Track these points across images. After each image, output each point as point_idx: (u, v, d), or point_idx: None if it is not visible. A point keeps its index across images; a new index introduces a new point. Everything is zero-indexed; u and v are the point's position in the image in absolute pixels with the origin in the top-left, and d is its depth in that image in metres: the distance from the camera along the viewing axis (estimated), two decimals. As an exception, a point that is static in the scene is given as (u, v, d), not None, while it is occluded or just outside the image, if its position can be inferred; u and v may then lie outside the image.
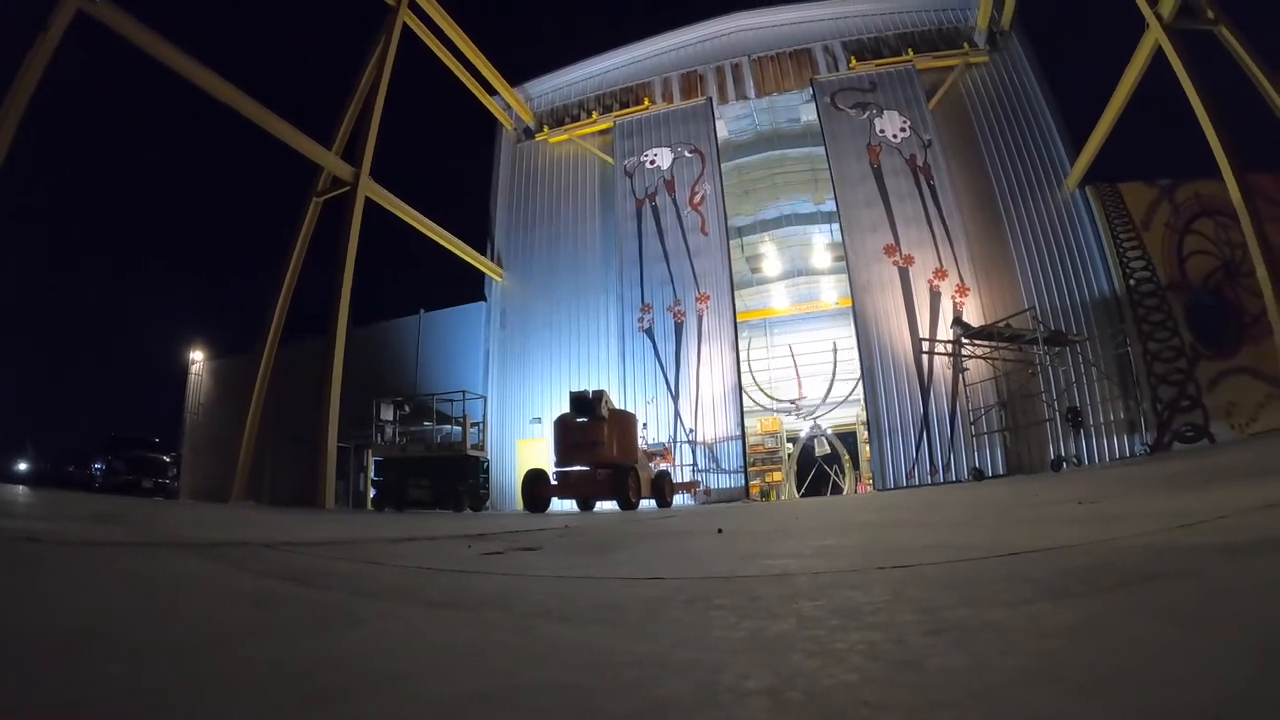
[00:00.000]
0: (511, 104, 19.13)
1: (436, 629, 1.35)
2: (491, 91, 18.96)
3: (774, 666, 0.94)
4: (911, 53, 17.25)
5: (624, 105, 18.34)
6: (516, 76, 19.25)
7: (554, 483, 10.71)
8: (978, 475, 13.58)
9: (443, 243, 17.22)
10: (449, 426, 16.23)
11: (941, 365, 14.73)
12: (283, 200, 21.11)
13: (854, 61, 17.37)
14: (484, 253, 18.42)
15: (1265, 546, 1.71)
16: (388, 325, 20.05)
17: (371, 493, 15.10)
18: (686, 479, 14.80)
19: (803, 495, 17.70)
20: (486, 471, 15.96)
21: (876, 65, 17.17)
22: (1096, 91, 15.07)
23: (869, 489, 15.52)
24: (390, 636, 1.27)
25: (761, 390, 18.15)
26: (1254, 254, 11.24)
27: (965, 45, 17.36)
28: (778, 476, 17.55)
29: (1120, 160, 16.60)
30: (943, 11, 17.96)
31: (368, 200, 14.40)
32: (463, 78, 18.17)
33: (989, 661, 0.91)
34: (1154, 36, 12.21)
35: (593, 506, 11.40)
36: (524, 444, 17.31)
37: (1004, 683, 0.83)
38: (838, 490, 18.02)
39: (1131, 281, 15.50)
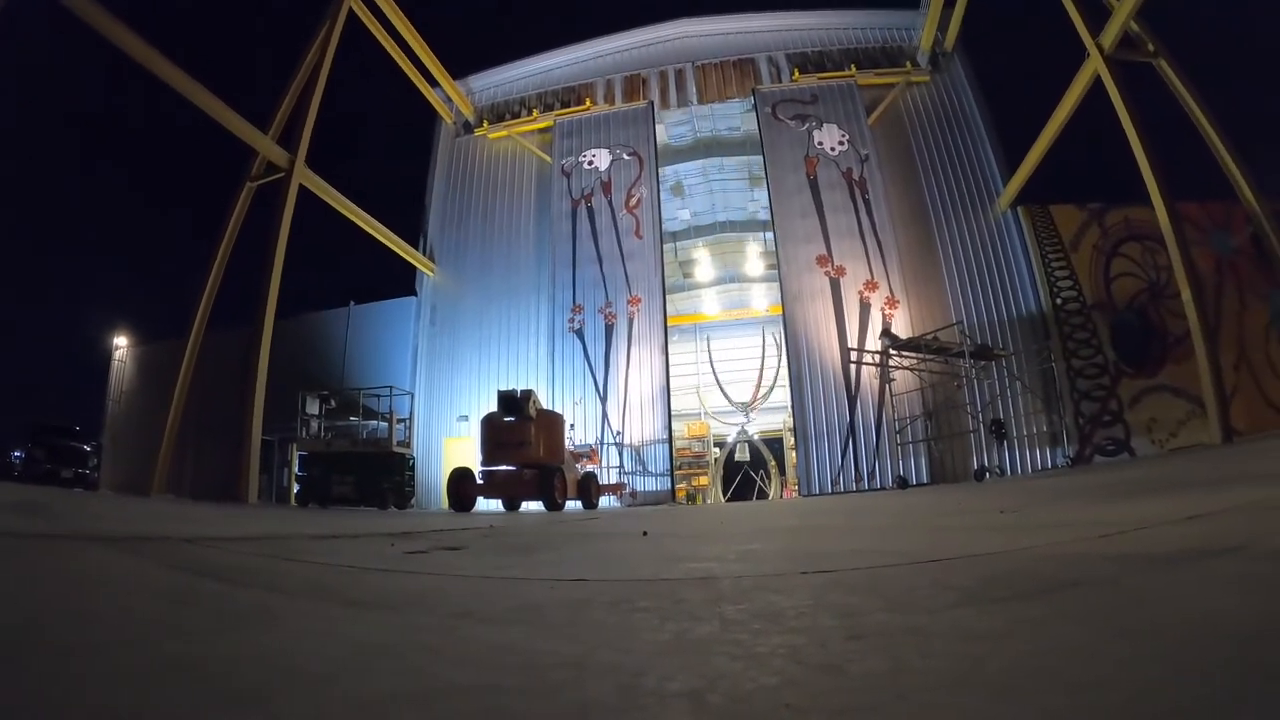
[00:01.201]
0: (453, 97, 18.80)
1: (357, 629, 1.33)
2: (433, 83, 18.62)
3: (697, 669, 0.94)
4: (854, 68, 17.46)
5: (565, 104, 18.16)
6: (459, 69, 18.96)
7: (480, 482, 10.58)
8: (902, 483, 13.65)
9: (375, 235, 16.77)
10: (375, 422, 15.86)
11: (869, 375, 14.82)
12: (215, 183, 20.38)
13: (797, 74, 17.51)
14: (417, 247, 17.96)
15: (1183, 557, 1.75)
16: (316, 317, 19.37)
17: (295, 488, 14.61)
18: (613, 481, 14.66)
19: (728, 500, 17.55)
20: (412, 469, 15.58)
21: (819, 78, 17.33)
22: (1033, 115, 15.44)
23: (794, 495, 15.43)
24: (310, 636, 1.25)
25: (723, 391, 17.95)
26: (1179, 278, 11.50)
27: (908, 64, 17.66)
28: (704, 481, 17.39)
29: (1053, 183, 17.01)
30: (887, 30, 18.27)
31: (301, 188, 14.01)
32: (405, 67, 17.82)
33: (910, 665, 0.92)
34: (1094, 66, 12.48)
35: (518, 507, 11.24)
36: (451, 442, 16.85)
37: (924, 686, 0.83)
38: (763, 495, 17.92)
39: (1058, 300, 15.82)
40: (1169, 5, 14.39)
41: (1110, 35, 12.13)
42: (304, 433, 14.79)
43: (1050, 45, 16.21)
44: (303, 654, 1.08)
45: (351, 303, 18.93)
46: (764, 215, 17.06)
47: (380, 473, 13.80)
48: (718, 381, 17.79)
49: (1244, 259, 16.97)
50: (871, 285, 15.38)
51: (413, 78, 18.13)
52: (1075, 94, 13.54)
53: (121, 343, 22.59)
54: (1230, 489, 3.62)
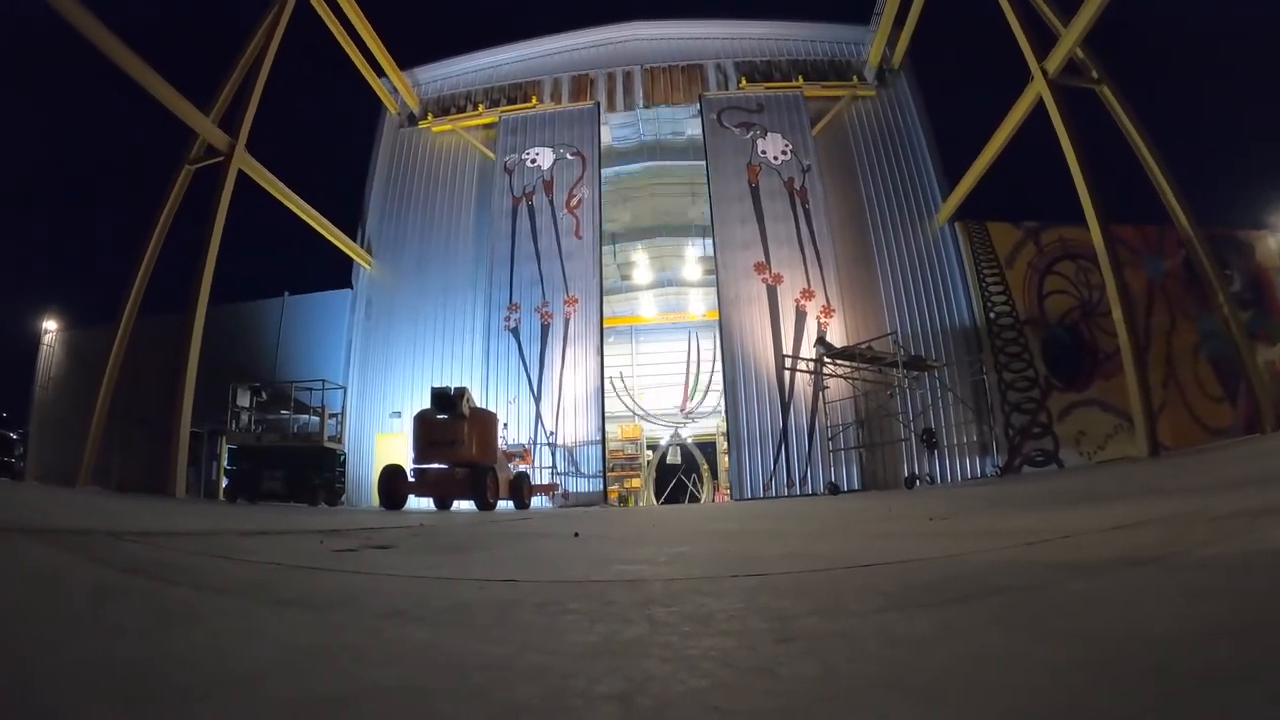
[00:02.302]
0: (399, 88, 18.45)
1: (284, 628, 1.31)
2: (380, 73, 18.26)
3: (625, 672, 0.94)
4: (801, 80, 17.61)
5: (512, 101, 17.96)
6: (407, 60, 18.65)
7: (411, 480, 10.38)
8: (833, 489, 13.69)
9: (314, 225, 16.34)
10: (307, 417, 15.46)
11: (803, 382, 14.89)
12: (154, 164, 19.73)
13: (744, 82, 17.60)
14: (355, 238, 17.56)
15: (1108, 565, 1.77)
16: (250, 306, 18.80)
17: (224, 482, 14.34)
18: (545, 481, 14.49)
19: (661, 502, 17.50)
20: (343, 465, 15.33)
21: (766, 88, 17.43)
22: (975, 134, 15.70)
23: (726, 499, 15.42)
24: (236, 635, 1.23)
25: (632, 405, 17.86)
26: (1112, 297, 11.69)
27: (855, 78, 17.88)
28: (636, 483, 17.31)
29: (991, 200, 17.32)
30: (836, 44, 18.49)
31: (240, 173, 13.64)
32: (353, 54, 17.43)
33: (838, 669, 0.93)
34: (1038, 89, 12.67)
35: (450, 506, 11.00)
36: (383, 438, 16.47)
37: (852, 689, 0.84)
38: (695, 499, 17.89)
39: (992, 314, 16.11)
40: (1116, 36, 14.75)
41: (1055, 60, 12.35)
42: (234, 425, 14.42)
43: (996, 67, 16.56)
44: (230, 655, 1.07)
45: (286, 293, 18.42)
46: (704, 220, 17.08)
47: (311, 468, 13.55)
48: (622, 388, 17.68)
49: (1175, 282, 17.50)
50: (808, 294, 15.47)
51: (360, 66, 17.77)
52: (1018, 115, 13.77)
53: (51, 327, 21.74)
54: (1155, 501, 3.68)
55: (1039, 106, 12.82)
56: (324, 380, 15.41)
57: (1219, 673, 0.86)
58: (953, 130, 18.28)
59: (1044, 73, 12.39)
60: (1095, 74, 12.90)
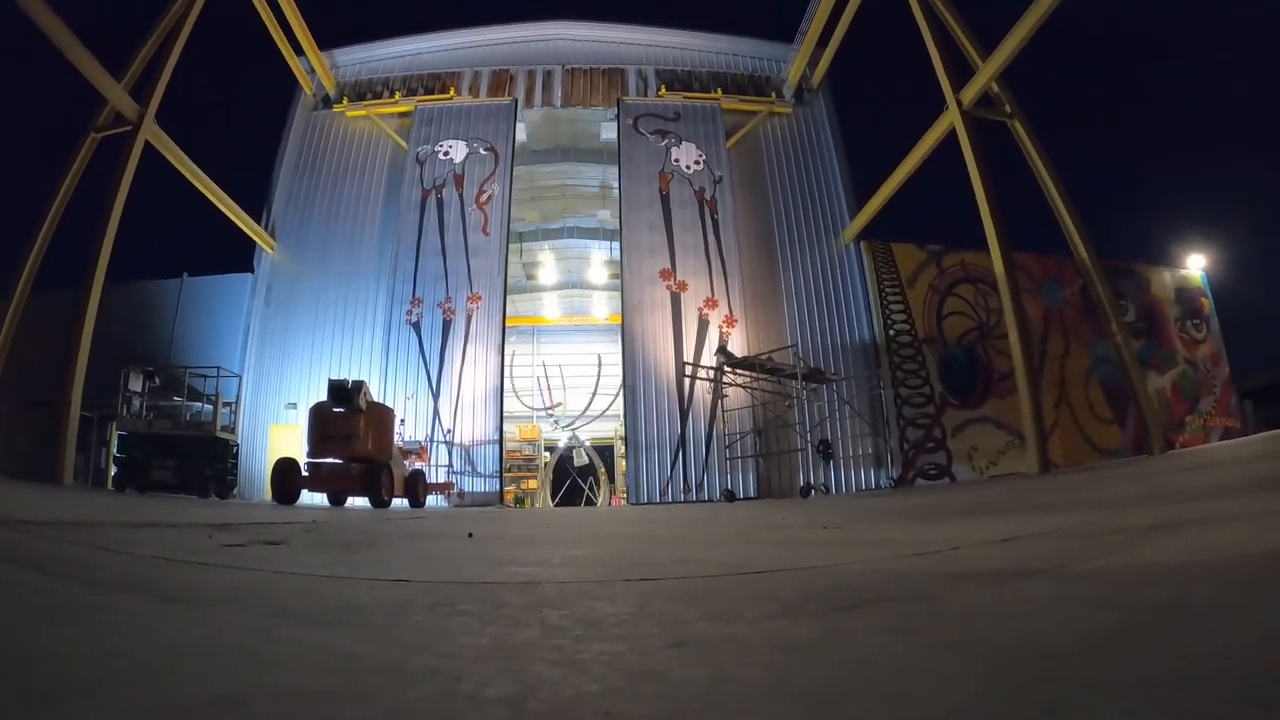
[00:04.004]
0: (316, 68, 17.87)
1: (169, 626, 1.28)
2: (299, 51, 17.64)
3: (516, 675, 0.93)
4: (720, 92, 17.85)
5: (429, 91, 17.62)
6: (326, 40, 18.09)
7: (305, 474, 10.11)
8: (729, 496, 13.89)
9: (218, 204, 15.73)
10: (200, 404, 14.94)
11: (702, 389, 15.07)
12: (57, 130, 18.72)
13: (664, 90, 17.73)
14: (259, 221, 16.96)
15: (997, 576, 1.79)
16: (147, 286, 17.99)
17: (113, 470, 13.56)
18: (441, 480, 14.28)
19: (557, 504, 17.47)
20: (236, 456, 14.81)
21: (684, 97, 17.61)
22: (887, 157, 16.13)
23: (623, 503, 15.48)
24: (119, 633, 1.19)
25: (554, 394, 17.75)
26: (1008, 320, 12.07)
27: (773, 95, 18.24)
28: (533, 484, 17.24)
29: (897, 222, 17.86)
30: (758, 60, 18.80)
31: (146, 145, 13.10)
32: (273, 29, 16.80)
33: (728, 674, 0.93)
34: (951, 118, 13.03)
35: (344, 502, 10.85)
36: (277, 430, 15.94)
37: (742, 694, 0.85)
38: (592, 502, 17.93)
39: (891, 331, 16.61)
40: (1032, 75, 15.27)
41: (971, 92, 12.73)
42: (125, 411, 13.81)
43: (913, 94, 17.07)
44: (113, 653, 1.04)
45: (185, 274, 17.68)
46: (613, 224, 17.16)
47: (202, 459, 13.08)
48: (536, 387, 17.61)
49: (1072, 309, 18.37)
50: (712, 303, 15.67)
51: (279, 41, 17.13)
52: (930, 142, 14.20)
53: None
54: (1045, 516, 3.75)
55: (951, 135, 13.22)
56: (219, 367, 14.90)
57: (1106, 681, 0.87)
58: (865, 152, 18.83)
59: (959, 103, 12.78)
60: (1008, 108, 13.32)
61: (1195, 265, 21.19)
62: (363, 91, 17.97)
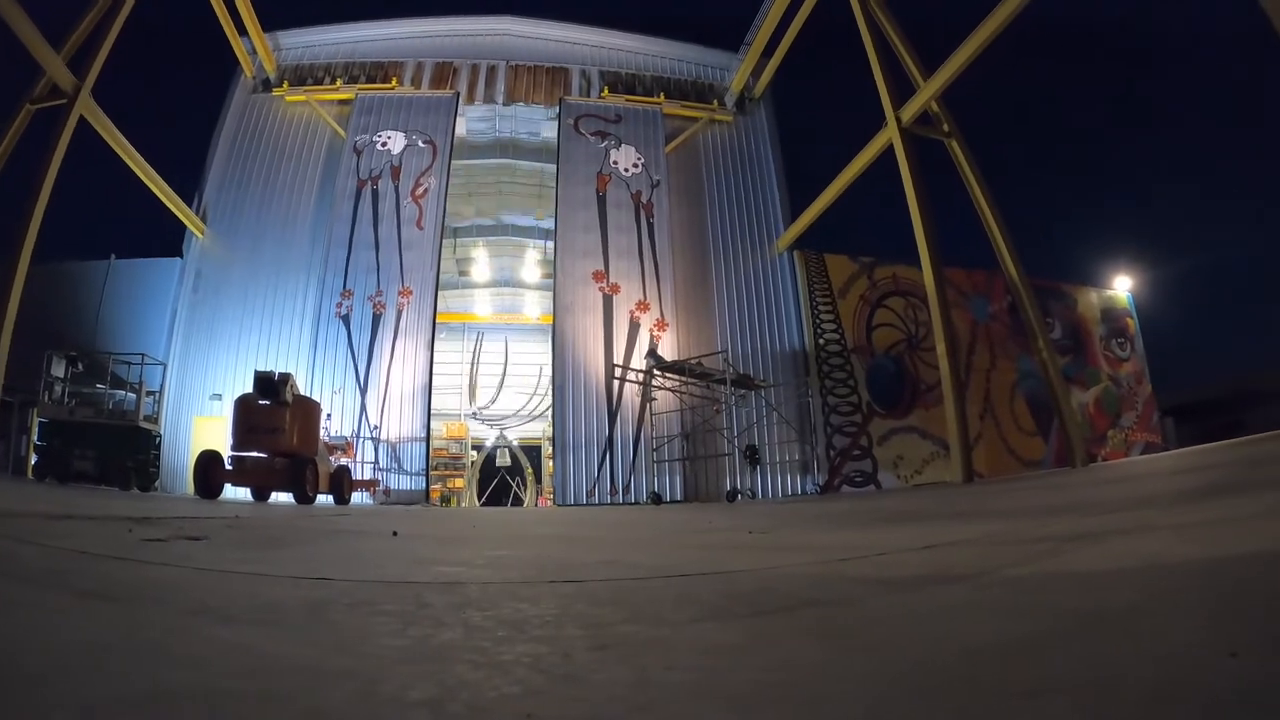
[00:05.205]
0: (259, 49, 17.44)
1: (83, 622, 1.25)
2: (242, 31, 17.29)
3: (437, 677, 0.92)
4: (663, 96, 18.02)
5: (371, 79, 17.42)
6: (270, 22, 17.71)
7: (228, 468, 9.93)
8: (656, 499, 13.98)
9: (150, 185, 15.34)
10: (123, 393, 14.45)
11: (631, 392, 15.18)
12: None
13: (606, 91, 17.83)
14: (191, 205, 16.61)
15: (920, 582, 1.80)
16: (73, 267, 17.48)
17: (33, 459, 13.20)
18: (367, 477, 14.17)
19: (483, 504, 17.49)
20: (159, 448, 14.48)
21: (626, 100, 17.74)
22: (824, 168, 16.41)
23: (549, 503, 15.56)
24: (31, 629, 1.17)
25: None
26: (937, 333, 12.33)
27: (715, 102, 18.47)
28: (459, 483, 17.22)
29: (831, 233, 18.22)
30: (702, 67, 19.02)
31: (80, 120, 12.78)
32: (217, 6, 16.39)
33: (652, 677, 0.93)
34: (890, 134, 13.28)
35: (268, 497, 10.59)
36: (201, 421, 15.62)
37: (665, 698, 0.84)
38: (518, 502, 18.01)
39: (821, 340, 16.97)
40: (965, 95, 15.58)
41: (911, 110, 12.98)
42: (47, 397, 13.32)
43: (853, 108, 17.40)
44: (24, 650, 1.01)
45: (113, 256, 17.23)
46: (548, 224, 17.21)
47: (125, 449, 12.81)
48: (464, 385, 17.56)
49: (999, 324, 18.95)
50: (643, 306, 15.84)
51: (222, 19, 16.73)
52: (868, 156, 14.47)
53: None
54: (968, 523, 3.79)
55: (889, 150, 13.46)
56: (144, 354, 14.51)
57: (1026, 684, 0.88)
58: (803, 162, 19.17)
59: (898, 120, 13.04)
60: (946, 127, 13.63)
61: (1122, 287, 22.01)
62: (304, 76, 17.68)
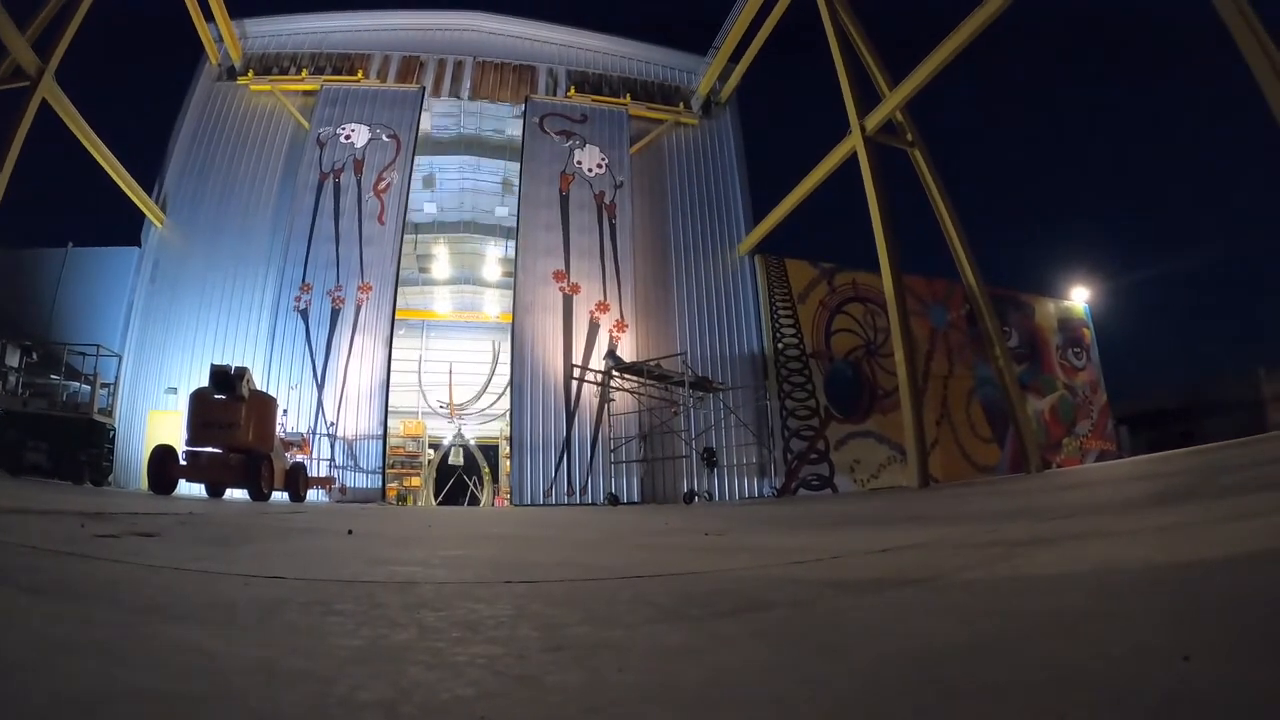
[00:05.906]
0: (225, 36, 17.18)
1: (34, 621, 1.23)
2: (209, 17, 17.06)
3: (391, 678, 0.92)
4: (629, 98, 18.08)
5: (337, 71, 17.29)
6: (236, 9, 17.50)
7: (183, 463, 9.82)
8: (613, 500, 14.11)
9: (110, 172, 15.13)
10: (77, 384, 14.30)
11: (590, 392, 15.29)
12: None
13: (573, 91, 17.86)
14: (150, 193, 16.41)
15: (875, 585, 1.82)
16: (29, 254, 17.22)
17: None
18: (323, 474, 14.14)
19: (440, 503, 17.51)
20: (113, 441, 14.36)
21: (593, 100, 17.77)
22: (788, 174, 16.61)
23: (507, 503, 15.65)
24: None
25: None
26: (895, 340, 12.53)
27: (681, 105, 18.58)
28: (416, 482, 17.21)
29: (793, 239, 18.43)
30: (670, 69, 19.12)
31: (43, 103, 12.65)
32: None
33: (605, 678, 0.94)
34: (854, 142, 13.40)
35: (223, 494, 10.57)
36: (156, 415, 15.46)
37: (618, 699, 0.85)
38: (475, 501, 18.06)
39: (780, 344, 17.19)
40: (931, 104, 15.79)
41: (876, 119, 13.13)
42: (1, 388, 13.17)
43: (818, 115, 17.58)
44: None
45: (70, 244, 16.99)
46: (510, 222, 17.23)
47: (79, 442, 12.67)
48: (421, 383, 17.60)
49: (958, 332, 19.30)
50: (603, 306, 15.95)
51: (189, 4, 16.49)
52: (831, 163, 14.65)
53: None
54: (923, 527, 3.82)
55: (852, 157, 13.60)
56: (99, 345, 14.34)
57: (980, 685, 0.88)
58: (767, 167, 19.33)
59: (863, 128, 13.18)
60: (910, 137, 13.76)
61: (1079, 298, 22.50)
62: (269, 66, 17.48)
